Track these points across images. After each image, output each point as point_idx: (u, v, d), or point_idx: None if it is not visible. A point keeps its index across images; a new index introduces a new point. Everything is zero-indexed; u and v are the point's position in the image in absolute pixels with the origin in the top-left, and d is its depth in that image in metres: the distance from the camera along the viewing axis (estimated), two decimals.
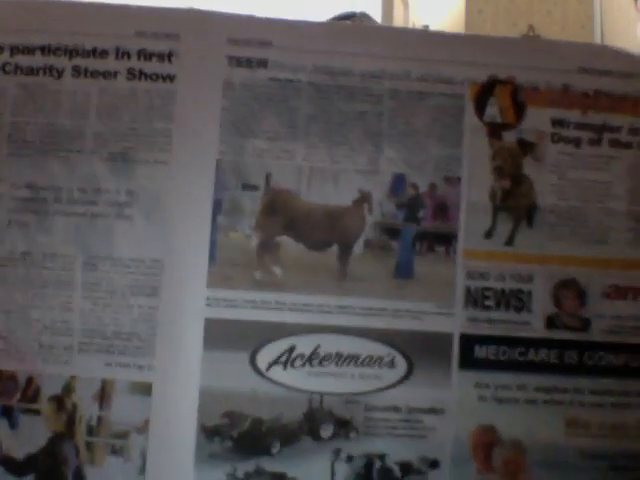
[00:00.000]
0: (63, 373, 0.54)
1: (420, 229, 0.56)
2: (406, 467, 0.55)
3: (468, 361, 0.55)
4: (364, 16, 0.94)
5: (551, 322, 0.56)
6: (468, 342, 0.56)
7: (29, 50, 0.55)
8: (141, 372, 0.54)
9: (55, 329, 0.54)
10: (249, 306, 0.54)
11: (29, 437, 0.54)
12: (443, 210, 0.56)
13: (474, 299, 0.56)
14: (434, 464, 0.55)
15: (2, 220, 0.54)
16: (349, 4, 0.92)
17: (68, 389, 0.54)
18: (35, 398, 0.54)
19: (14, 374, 0.54)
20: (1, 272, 0.54)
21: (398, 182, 0.56)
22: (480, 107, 0.57)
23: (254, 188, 0.55)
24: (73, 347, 0.54)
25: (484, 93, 0.57)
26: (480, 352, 0.56)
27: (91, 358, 0.54)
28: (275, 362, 0.54)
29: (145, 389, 0.54)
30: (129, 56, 0.55)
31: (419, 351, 0.55)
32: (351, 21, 0.90)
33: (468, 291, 0.56)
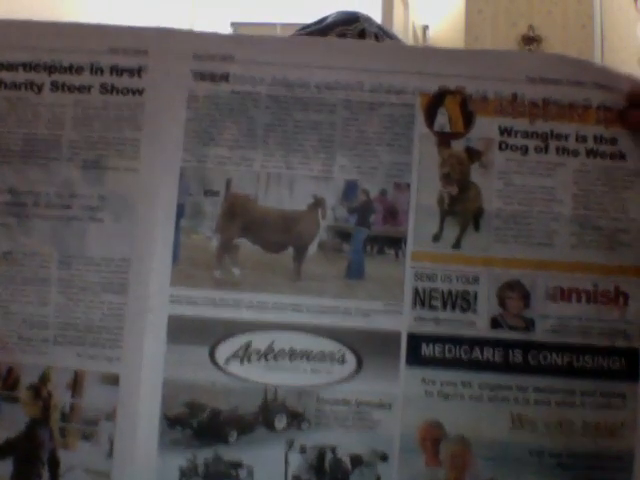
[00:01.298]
0: (40, 363, 0.58)
1: (371, 232, 0.59)
2: (356, 459, 0.58)
3: (415, 358, 0.58)
4: (366, 20, 0.94)
5: (496, 322, 0.59)
6: (415, 340, 0.58)
7: (12, 67, 0.60)
8: (109, 364, 0.58)
9: (33, 322, 0.58)
10: (209, 304, 0.58)
11: (9, 423, 0.58)
12: (393, 214, 0.59)
13: (422, 299, 0.59)
14: (383, 457, 0.58)
15: None
16: (349, 4, 0.94)
17: (44, 378, 0.58)
18: (15, 386, 0.58)
19: None
20: None
21: (350, 188, 0.59)
22: (430, 117, 0.60)
23: (215, 193, 0.59)
24: (49, 339, 0.58)
25: (434, 103, 0.60)
26: (427, 350, 0.59)
27: (65, 350, 0.58)
28: (233, 356, 0.58)
29: (113, 380, 0.58)
30: (102, 72, 0.60)
31: (368, 348, 0.58)
32: (353, 26, 0.90)
33: (416, 292, 0.59)
